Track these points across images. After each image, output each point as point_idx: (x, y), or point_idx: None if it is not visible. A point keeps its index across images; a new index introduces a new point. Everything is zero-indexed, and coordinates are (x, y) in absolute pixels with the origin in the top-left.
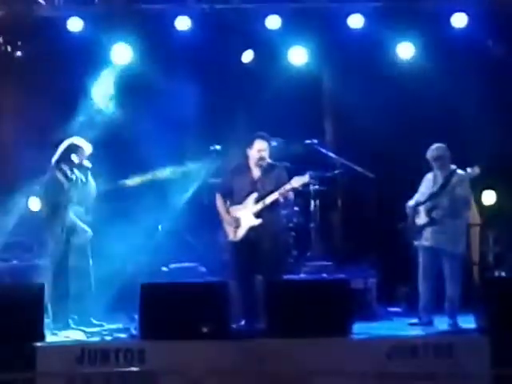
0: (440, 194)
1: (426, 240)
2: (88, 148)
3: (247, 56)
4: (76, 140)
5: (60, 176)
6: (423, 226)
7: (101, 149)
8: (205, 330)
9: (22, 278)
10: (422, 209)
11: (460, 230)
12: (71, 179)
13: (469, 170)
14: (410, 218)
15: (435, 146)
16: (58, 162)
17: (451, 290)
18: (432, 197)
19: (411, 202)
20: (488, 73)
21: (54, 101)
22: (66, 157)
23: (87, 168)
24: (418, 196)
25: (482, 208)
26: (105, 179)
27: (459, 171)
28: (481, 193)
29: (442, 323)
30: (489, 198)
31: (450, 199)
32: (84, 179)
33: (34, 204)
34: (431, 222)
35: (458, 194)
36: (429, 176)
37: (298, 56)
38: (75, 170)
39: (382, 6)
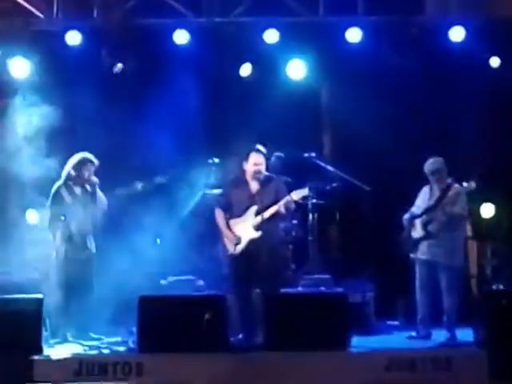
0: (436, 208)
1: (422, 253)
2: (95, 163)
3: (245, 70)
4: (84, 155)
5: (64, 192)
6: (419, 240)
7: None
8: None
9: (20, 291)
10: (418, 222)
11: (456, 243)
12: (76, 195)
13: (465, 184)
14: (406, 231)
15: (432, 159)
16: (65, 177)
17: (449, 303)
18: (428, 210)
19: (407, 215)
20: (486, 86)
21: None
22: (73, 172)
23: (95, 183)
24: (414, 209)
25: (480, 221)
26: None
27: (456, 185)
28: (479, 206)
29: (440, 336)
30: (487, 211)
31: (446, 213)
32: (92, 194)
33: (32, 217)
34: (427, 235)
35: (455, 208)
36: (425, 189)
37: (296, 70)
38: (85, 185)
39: (380, 19)
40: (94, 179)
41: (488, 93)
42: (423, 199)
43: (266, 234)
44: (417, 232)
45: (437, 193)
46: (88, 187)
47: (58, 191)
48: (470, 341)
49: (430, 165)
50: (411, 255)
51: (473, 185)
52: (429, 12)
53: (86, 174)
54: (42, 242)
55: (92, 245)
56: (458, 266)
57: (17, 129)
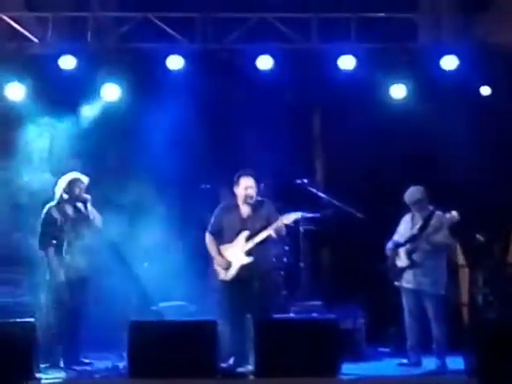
0: (420, 237)
1: (407, 282)
2: (85, 181)
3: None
4: (72, 175)
5: (55, 212)
6: (404, 268)
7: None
8: None
9: (12, 315)
10: (402, 251)
11: (440, 271)
12: (68, 215)
13: (447, 215)
14: (390, 260)
15: (412, 188)
16: (58, 198)
17: (437, 332)
18: (412, 239)
19: (390, 244)
20: (477, 114)
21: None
22: (64, 193)
23: (86, 200)
24: (397, 237)
25: (471, 248)
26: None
27: (438, 212)
28: (471, 233)
29: (430, 364)
30: (479, 238)
31: (429, 242)
32: (84, 212)
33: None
34: (412, 264)
35: (438, 237)
36: (407, 217)
37: (290, 96)
38: (77, 204)
39: (373, 47)
40: (85, 196)
41: (480, 121)
42: (405, 228)
43: (257, 260)
44: (401, 261)
45: (419, 221)
46: (80, 205)
47: (49, 212)
48: (461, 369)
49: (409, 195)
50: (396, 283)
51: (455, 216)
52: (422, 40)
53: (77, 192)
54: None
55: (87, 266)
56: (443, 294)
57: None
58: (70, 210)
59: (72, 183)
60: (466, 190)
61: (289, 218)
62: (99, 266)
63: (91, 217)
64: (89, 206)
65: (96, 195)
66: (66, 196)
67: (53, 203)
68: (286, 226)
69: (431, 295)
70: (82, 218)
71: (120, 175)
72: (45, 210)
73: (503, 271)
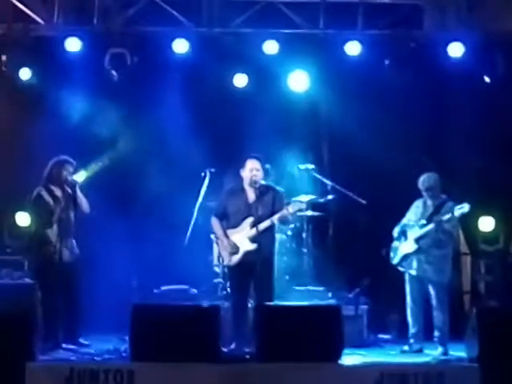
0: (429, 223)
1: (411, 269)
2: (73, 164)
3: (240, 80)
4: (61, 158)
5: (45, 195)
6: (409, 254)
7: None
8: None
9: (12, 297)
10: (410, 236)
11: (445, 260)
12: (57, 197)
13: (458, 206)
14: (397, 243)
15: (426, 175)
16: (45, 181)
17: (439, 319)
18: (421, 225)
19: (398, 228)
20: (483, 101)
21: (52, 119)
22: (52, 175)
23: (75, 184)
24: (405, 221)
25: (475, 237)
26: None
27: (450, 202)
28: (475, 222)
29: (432, 351)
30: (486, 224)
31: (438, 229)
32: (72, 195)
33: (22, 219)
34: (418, 250)
35: (446, 226)
36: (418, 203)
37: (296, 81)
38: (65, 187)
39: (379, 34)
40: (73, 180)
41: (487, 108)
42: (415, 213)
43: (261, 246)
44: (408, 246)
45: (430, 209)
46: (68, 188)
47: (39, 195)
48: (463, 356)
49: (423, 181)
50: (400, 268)
51: (466, 208)
52: (427, 26)
53: (65, 175)
54: None
55: (75, 248)
56: (447, 282)
57: None
58: (58, 192)
59: (60, 166)
60: (471, 178)
61: (294, 207)
62: (99, 250)
63: (78, 201)
64: (77, 189)
65: (95, 180)
66: (53, 176)
67: (41, 186)
68: (291, 214)
69: (435, 283)
70: (70, 202)
71: (122, 159)
72: (35, 193)
73: (506, 260)
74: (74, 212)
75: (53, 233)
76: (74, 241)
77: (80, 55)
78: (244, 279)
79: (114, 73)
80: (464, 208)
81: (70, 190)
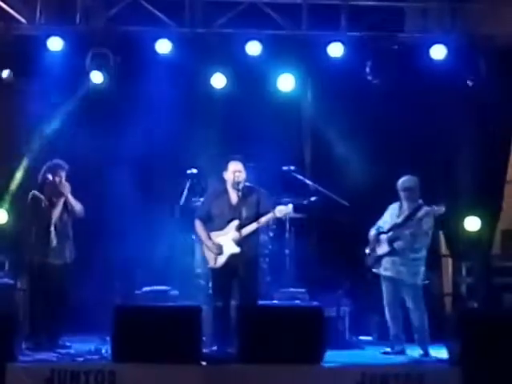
0: (404, 226)
1: (385, 270)
2: (65, 168)
3: (218, 80)
4: (53, 162)
5: (40, 198)
6: (383, 255)
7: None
8: None
9: None
10: (384, 238)
11: (420, 262)
12: (52, 201)
13: (435, 207)
14: (371, 245)
15: (407, 177)
16: (39, 185)
17: (417, 321)
18: (396, 227)
19: (374, 230)
20: (465, 103)
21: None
22: (45, 180)
23: (67, 188)
24: (381, 223)
25: (457, 237)
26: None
27: (426, 207)
28: (457, 223)
29: (413, 352)
30: (472, 224)
31: (412, 232)
32: (65, 199)
33: (1, 217)
34: (392, 252)
35: (422, 228)
36: (394, 205)
37: (279, 82)
38: (58, 191)
39: (362, 35)
40: (66, 184)
41: (469, 110)
42: (391, 215)
43: (246, 248)
44: (382, 248)
45: (406, 211)
46: (60, 194)
47: (35, 196)
48: (444, 358)
49: (403, 182)
50: (374, 270)
51: (442, 209)
52: (408, 29)
53: (57, 180)
54: None
55: (70, 252)
56: (420, 284)
57: None
58: (52, 196)
59: (52, 169)
60: (454, 179)
61: (281, 212)
62: (80, 251)
63: (70, 205)
64: (68, 194)
65: (80, 181)
66: (46, 179)
67: (36, 190)
68: (277, 218)
69: (409, 285)
70: (63, 205)
71: (105, 160)
72: (30, 195)
73: (488, 262)
74: (67, 215)
75: (51, 234)
76: (71, 245)
77: (62, 55)
78: (227, 281)
79: (96, 73)
80: (440, 210)
81: (61, 197)
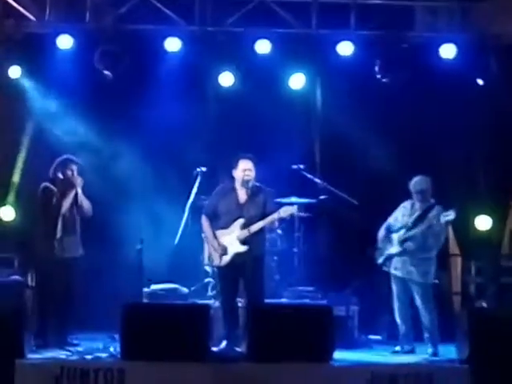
0: (415, 227)
1: (395, 269)
2: (77, 163)
3: (227, 78)
4: (65, 157)
5: (51, 192)
6: (394, 255)
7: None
8: None
9: (2, 294)
10: (395, 237)
11: (430, 262)
12: (63, 194)
13: (445, 213)
14: (380, 242)
15: (419, 178)
16: (50, 179)
17: (426, 320)
18: (407, 227)
19: (383, 229)
20: (474, 103)
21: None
22: (56, 174)
23: (79, 183)
24: (391, 220)
25: (467, 237)
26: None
27: (438, 207)
28: (467, 223)
29: (423, 352)
30: (483, 224)
31: (423, 233)
32: (75, 194)
33: (7, 214)
34: (403, 252)
35: (433, 230)
36: (406, 204)
37: (288, 80)
38: (70, 185)
39: (372, 34)
40: (78, 179)
41: (479, 109)
42: (402, 213)
43: (251, 247)
44: (393, 247)
45: (418, 211)
46: (71, 187)
47: (47, 187)
48: (453, 357)
49: (415, 184)
50: (385, 268)
51: (452, 215)
52: (418, 27)
53: (69, 174)
54: None
55: (77, 247)
56: (430, 283)
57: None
58: (62, 190)
59: (64, 164)
60: (464, 179)
61: (285, 212)
62: (89, 248)
63: (80, 201)
64: (79, 189)
65: (88, 177)
66: (60, 176)
67: (47, 182)
68: (282, 218)
69: (419, 284)
70: (73, 200)
71: (115, 158)
72: (41, 187)
73: (497, 261)
74: (77, 210)
75: (58, 227)
76: (79, 240)
77: (71, 52)
78: (233, 280)
79: (105, 71)
80: (450, 216)
81: (74, 189)
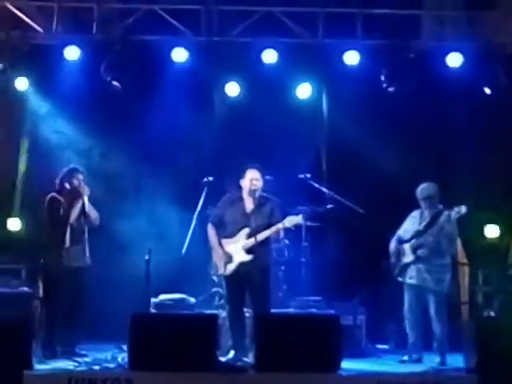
0: (426, 233)
1: (410, 278)
2: (83, 173)
3: (233, 89)
4: (71, 166)
5: (58, 202)
6: (408, 264)
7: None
8: None
9: (10, 306)
10: (407, 246)
11: (445, 268)
12: (70, 206)
13: (456, 209)
14: (394, 255)
15: (425, 184)
16: (57, 189)
17: (438, 329)
18: (418, 235)
19: (395, 240)
20: (481, 112)
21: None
22: (63, 184)
23: (85, 192)
24: (401, 232)
25: (474, 246)
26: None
27: (446, 212)
28: (473, 231)
29: (431, 361)
30: (491, 232)
31: (435, 238)
32: (82, 204)
33: (15, 225)
34: (417, 259)
35: (445, 232)
36: (415, 213)
37: (295, 90)
38: (76, 195)
39: (378, 43)
40: (84, 188)
41: (484, 119)
42: (412, 223)
43: (257, 257)
44: (406, 256)
45: (428, 218)
46: (78, 196)
47: (54, 198)
48: (461, 366)
49: (422, 190)
50: (399, 279)
51: (463, 209)
52: (424, 36)
53: (76, 183)
54: None
55: (84, 256)
56: (445, 292)
57: None
58: (70, 200)
59: (70, 174)
60: (471, 187)
61: (291, 222)
62: (96, 258)
63: (87, 210)
64: (86, 199)
65: (94, 187)
66: (67, 186)
67: (54, 193)
68: (287, 228)
69: (434, 292)
70: (81, 210)
71: (123, 167)
72: (48, 197)
73: (505, 270)
74: (84, 219)
75: (66, 237)
76: (86, 249)
77: (79, 64)
78: (239, 289)
79: (114, 82)
80: (461, 210)
81: (81, 199)
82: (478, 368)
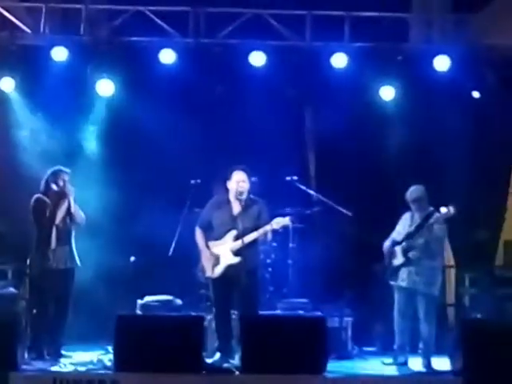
0: (416, 234)
1: (401, 280)
2: (68, 173)
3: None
4: (56, 168)
5: (44, 203)
6: (400, 266)
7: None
8: None
9: None
10: (398, 249)
11: (436, 271)
12: (56, 206)
13: (444, 209)
14: (387, 258)
15: (414, 187)
16: (42, 190)
17: (426, 331)
18: (408, 237)
19: (387, 242)
20: (469, 115)
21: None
22: (48, 185)
23: (70, 192)
24: (395, 235)
25: (461, 248)
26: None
27: (437, 214)
28: (461, 234)
29: (416, 364)
30: (478, 235)
31: (425, 240)
32: (68, 203)
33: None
34: (407, 262)
35: (434, 234)
36: (406, 216)
37: (283, 92)
38: (62, 195)
39: (366, 46)
40: (69, 188)
41: (471, 121)
42: (404, 225)
43: (244, 259)
44: (397, 259)
45: (418, 220)
46: (64, 197)
47: (39, 199)
48: (447, 369)
49: (411, 193)
50: (391, 282)
51: (452, 210)
52: (413, 40)
53: (61, 184)
54: None
55: (70, 258)
56: (436, 295)
57: None
58: (56, 200)
59: (55, 174)
60: (459, 190)
61: (278, 223)
62: (82, 259)
63: (73, 211)
64: (71, 199)
65: (83, 189)
66: (53, 187)
67: (40, 194)
68: (275, 230)
69: (424, 295)
70: (66, 210)
71: (109, 169)
72: (34, 198)
73: (492, 273)
74: (70, 221)
75: (52, 238)
76: (72, 250)
77: (66, 65)
78: (226, 291)
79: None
80: (450, 210)
81: (66, 199)
82: (464, 371)
